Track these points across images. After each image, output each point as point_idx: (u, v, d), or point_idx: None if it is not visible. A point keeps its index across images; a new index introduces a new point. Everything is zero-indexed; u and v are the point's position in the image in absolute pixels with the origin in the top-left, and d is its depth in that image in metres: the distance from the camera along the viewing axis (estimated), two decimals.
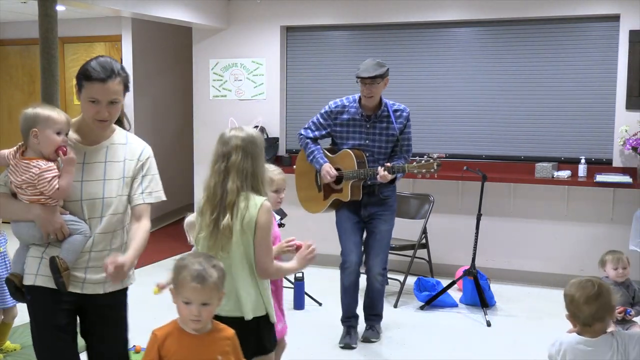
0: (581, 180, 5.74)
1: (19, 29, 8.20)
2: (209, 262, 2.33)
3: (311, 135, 4.59)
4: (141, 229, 2.60)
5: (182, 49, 7.94)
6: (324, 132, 4.60)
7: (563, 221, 6.00)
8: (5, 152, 2.59)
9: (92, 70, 2.50)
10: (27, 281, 2.58)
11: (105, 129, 2.61)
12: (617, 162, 5.83)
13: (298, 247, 2.93)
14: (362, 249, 4.63)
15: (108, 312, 2.69)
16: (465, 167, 5.39)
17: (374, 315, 4.69)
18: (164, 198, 2.72)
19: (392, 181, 4.49)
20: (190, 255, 2.40)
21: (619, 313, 3.86)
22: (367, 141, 4.48)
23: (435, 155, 4.40)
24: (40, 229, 2.54)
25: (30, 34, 7.47)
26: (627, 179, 5.53)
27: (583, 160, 5.82)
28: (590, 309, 2.58)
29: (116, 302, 2.72)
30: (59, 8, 5.14)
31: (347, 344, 4.53)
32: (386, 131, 4.47)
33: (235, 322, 2.54)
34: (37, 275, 2.56)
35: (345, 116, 4.52)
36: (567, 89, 5.99)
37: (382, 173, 4.30)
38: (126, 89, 2.61)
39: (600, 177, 5.60)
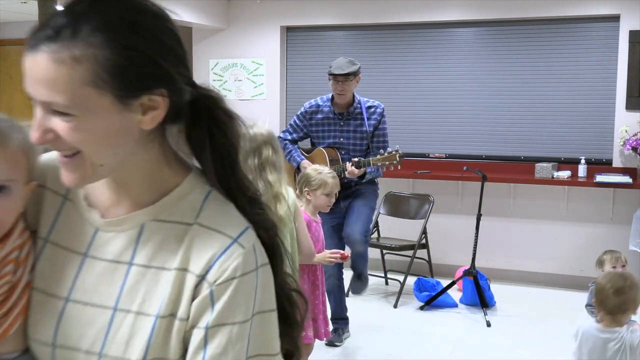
0: (581, 180, 5.74)
1: (19, 29, 8.19)
2: None
3: (289, 137, 4.66)
4: None
5: None
6: (301, 134, 4.67)
7: (563, 221, 6.00)
8: None
9: None
10: None
11: (77, 176, 1.03)
12: (617, 163, 5.83)
13: (344, 257, 3.41)
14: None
15: None
16: (465, 167, 5.39)
17: (358, 274, 4.55)
18: None
19: (363, 177, 4.48)
20: None
21: None
22: (341, 139, 4.55)
23: (397, 147, 4.43)
24: None
25: None
26: (627, 179, 5.53)
27: (583, 161, 5.81)
28: (618, 300, 2.83)
29: None
30: (59, 8, 5.15)
31: (330, 341, 4.43)
32: (360, 128, 4.53)
33: None
34: None
35: (319, 116, 4.59)
36: (567, 89, 5.99)
37: (350, 169, 4.36)
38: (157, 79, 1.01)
39: (600, 178, 5.60)
